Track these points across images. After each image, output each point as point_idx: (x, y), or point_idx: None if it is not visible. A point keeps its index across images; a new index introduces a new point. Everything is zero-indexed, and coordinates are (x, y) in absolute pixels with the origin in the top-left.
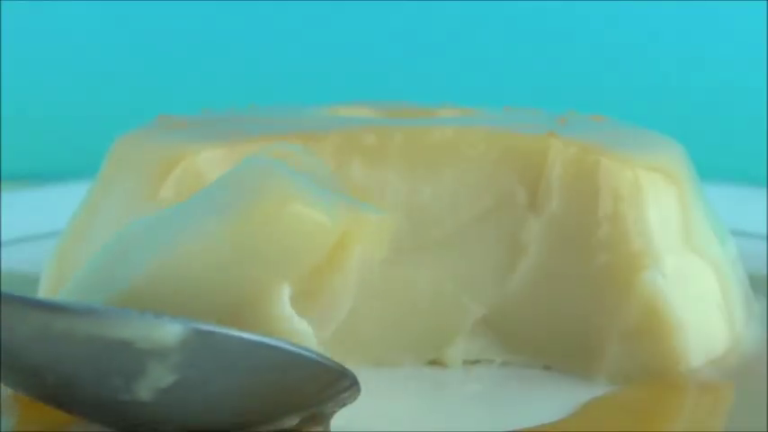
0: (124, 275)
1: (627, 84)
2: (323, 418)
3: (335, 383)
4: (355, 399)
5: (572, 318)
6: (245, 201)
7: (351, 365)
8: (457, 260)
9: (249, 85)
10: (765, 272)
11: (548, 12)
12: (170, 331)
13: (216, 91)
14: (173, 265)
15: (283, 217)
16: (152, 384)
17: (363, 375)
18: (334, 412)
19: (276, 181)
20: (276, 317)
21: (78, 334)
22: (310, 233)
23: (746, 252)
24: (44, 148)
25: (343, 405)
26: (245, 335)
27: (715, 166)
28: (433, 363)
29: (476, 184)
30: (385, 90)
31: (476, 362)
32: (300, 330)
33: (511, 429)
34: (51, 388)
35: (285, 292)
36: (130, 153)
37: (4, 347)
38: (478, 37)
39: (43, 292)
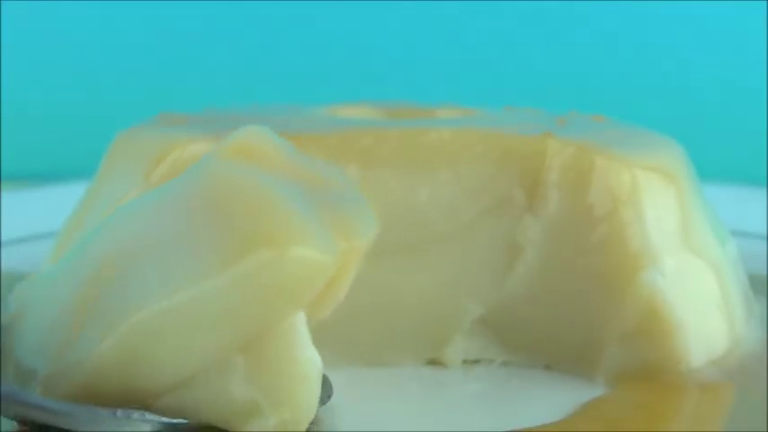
0: (122, 306)
1: (627, 84)
2: None
3: None
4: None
5: (572, 318)
6: (243, 242)
7: (350, 366)
8: (454, 260)
9: (252, 84)
10: (765, 272)
11: (548, 12)
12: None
13: (218, 91)
14: (175, 309)
15: (285, 263)
16: None
17: (363, 376)
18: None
19: (270, 213)
20: (296, 344)
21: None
22: (313, 275)
23: (746, 252)
24: (44, 148)
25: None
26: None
27: (715, 166)
28: (432, 362)
29: (473, 185)
30: (385, 90)
31: (476, 362)
32: (312, 358)
33: (511, 429)
34: None
35: (300, 320)
36: (126, 147)
37: None
38: (479, 37)
39: None
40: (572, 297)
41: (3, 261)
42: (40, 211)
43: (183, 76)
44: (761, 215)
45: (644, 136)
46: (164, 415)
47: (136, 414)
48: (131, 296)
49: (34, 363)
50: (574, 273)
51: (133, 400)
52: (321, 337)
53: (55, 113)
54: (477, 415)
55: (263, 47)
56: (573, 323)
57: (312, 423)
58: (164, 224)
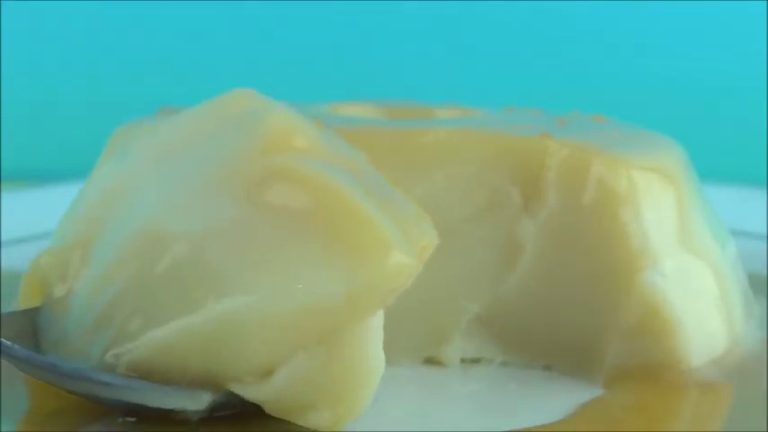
0: (211, 289)
1: (627, 84)
2: None
3: None
4: None
5: (571, 318)
6: (348, 251)
7: None
8: (451, 260)
9: (252, 79)
10: (765, 272)
11: (549, 12)
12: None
13: (218, 87)
14: (270, 303)
15: (385, 268)
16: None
17: None
18: None
19: (370, 222)
20: (372, 341)
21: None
22: (406, 278)
23: (746, 252)
24: (44, 148)
25: None
26: None
27: (715, 166)
28: (430, 361)
29: (468, 184)
30: (386, 90)
31: (475, 361)
32: (381, 357)
33: (510, 429)
34: None
35: (379, 319)
36: (125, 140)
37: None
38: (480, 37)
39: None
40: (571, 297)
41: (3, 261)
42: (40, 211)
43: (186, 74)
44: (761, 215)
45: (643, 136)
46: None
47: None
48: (213, 283)
49: (91, 339)
50: (572, 273)
51: (205, 382)
52: None
53: (55, 113)
54: (476, 415)
55: (263, 42)
56: (572, 323)
57: None
58: (240, 217)
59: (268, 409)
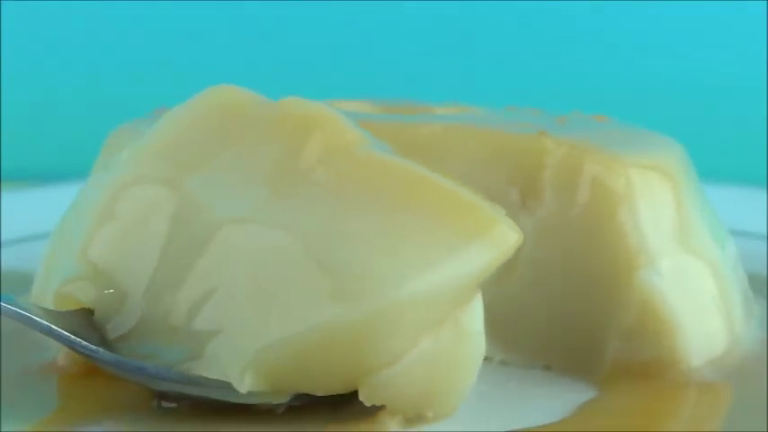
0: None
1: (627, 84)
2: None
3: None
4: None
5: (570, 317)
6: (457, 230)
7: None
8: None
9: (250, 78)
10: (765, 272)
11: (549, 12)
12: None
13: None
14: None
15: (496, 241)
16: None
17: None
18: None
19: (465, 199)
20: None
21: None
22: (509, 250)
23: (746, 252)
24: (44, 148)
25: None
26: None
27: (715, 166)
28: None
29: (465, 182)
30: (386, 90)
31: None
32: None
33: (510, 429)
34: None
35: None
36: (120, 143)
37: None
38: (480, 37)
39: (33, 294)
40: (569, 296)
41: (3, 261)
42: (40, 211)
43: (184, 75)
44: (761, 215)
45: (642, 136)
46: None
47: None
48: (339, 276)
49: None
50: (570, 272)
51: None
52: None
53: (55, 113)
54: (476, 415)
55: (262, 42)
56: (570, 322)
57: None
58: (335, 210)
59: (389, 405)
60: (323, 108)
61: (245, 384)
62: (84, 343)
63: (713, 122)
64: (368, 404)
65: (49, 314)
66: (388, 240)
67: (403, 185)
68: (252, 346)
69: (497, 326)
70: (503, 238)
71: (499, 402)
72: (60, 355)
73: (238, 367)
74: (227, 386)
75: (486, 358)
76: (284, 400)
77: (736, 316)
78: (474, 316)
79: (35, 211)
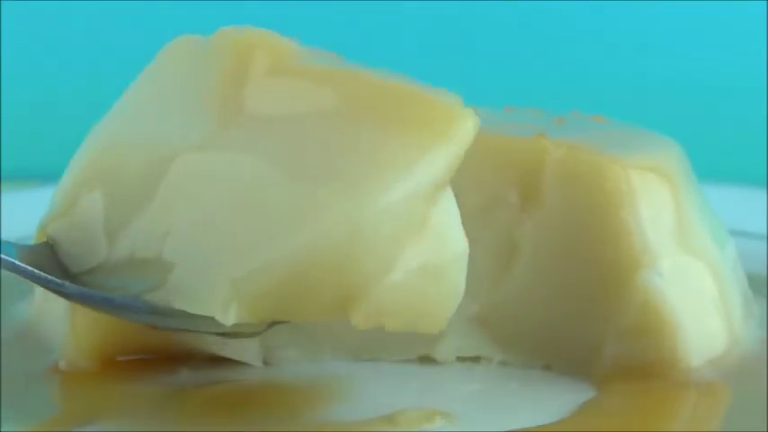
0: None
1: (627, 84)
2: None
3: None
4: None
5: (569, 317)
6: (417, 129)
7: (338, 359)
8: None
9: None
10: (765, 272)
11: (549, 12)
12: None
13: None
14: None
15: (458, 132)
16: None
17: (361, 374)
18: None
19: (417, 93)
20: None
21: None
22: (473, 130)
23: (746, 252)
24: (44, 148)
25: None
26: None
27: (715, 166)
28: (424, 359)
29: (465, 185)
30: None
31: (474, 360)
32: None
33: (510, 429)
34: None
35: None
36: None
37: None
38: (480, 37)
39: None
40: (569, 297)
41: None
42: (40, 211)
43: None
44: (761, 215)
45: (641, 136)
46: None
47: None
48: (347, 197)
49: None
50: (570, 272)
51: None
52: (310, 330)
53: (55, 113)
54: (476, 415)
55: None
56: (570, 323)
57: None
58: (294, 132)
59: (388, 319)
60: (260, 29)
61: (230, 317)
62: (50, 277)
63: (713, 122)
64: (362, 328)
65: (14, 248)
66: (355, 151)
67: (354, 93)
68: (230, 275)
69: (497, 326)
70: (464, 131)
71: (499, 402)
72: (63, 358)
73: (220, 299)
74: (200, 318)
75: (486, 358)
76: (260, 329)
77: (735, 316)
78: (449, 214)
79: (35, 211)
